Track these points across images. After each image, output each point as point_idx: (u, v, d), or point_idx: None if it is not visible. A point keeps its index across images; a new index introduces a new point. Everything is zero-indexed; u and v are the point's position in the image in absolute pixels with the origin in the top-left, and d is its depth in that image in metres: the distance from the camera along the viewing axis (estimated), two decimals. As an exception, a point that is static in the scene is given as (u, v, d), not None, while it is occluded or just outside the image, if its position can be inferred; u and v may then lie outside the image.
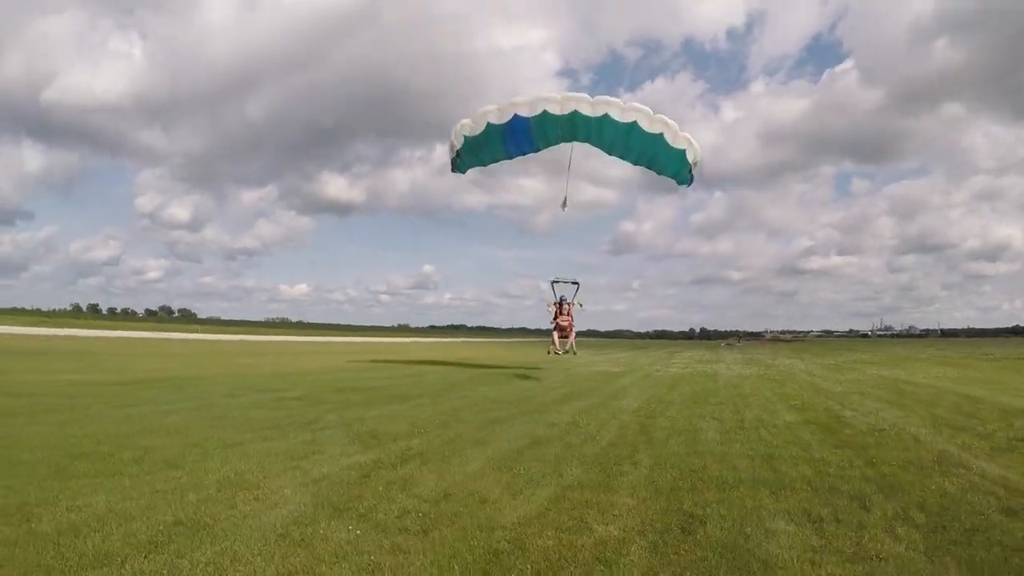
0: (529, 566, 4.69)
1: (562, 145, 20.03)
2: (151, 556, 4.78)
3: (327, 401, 14.14)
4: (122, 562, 4.68)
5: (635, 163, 19.67)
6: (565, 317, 24.13)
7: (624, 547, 5.11)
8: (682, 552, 5.03)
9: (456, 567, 4.65)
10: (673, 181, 19.86)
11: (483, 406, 13.78)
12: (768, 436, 10.16)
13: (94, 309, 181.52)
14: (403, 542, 5.13)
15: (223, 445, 8.68)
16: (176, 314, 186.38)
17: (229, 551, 4.88)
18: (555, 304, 24.11)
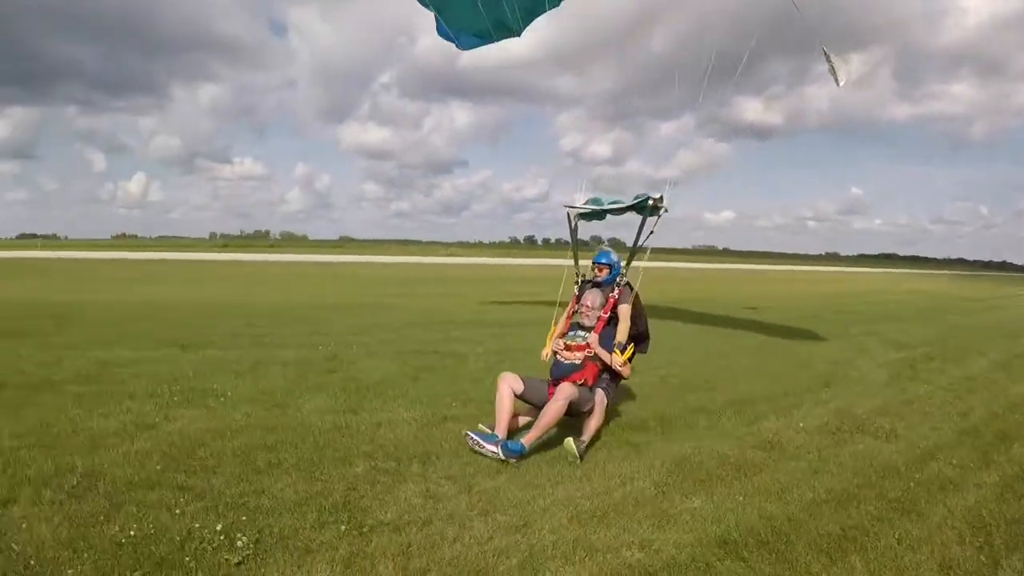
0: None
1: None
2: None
3: (831, 320, 19.51)
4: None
5: None
6: (580, 343, 6.62)
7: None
8: None
9: (995, 406, 9.19)
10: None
11: (966, 328, 17.61)
12: None
13: (530, 240, 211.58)
14: (963, 395, 9.85)
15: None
16: (605, 243, 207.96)
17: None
18: (574, 293, 7.25)
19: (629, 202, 7.07)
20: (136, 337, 12.22)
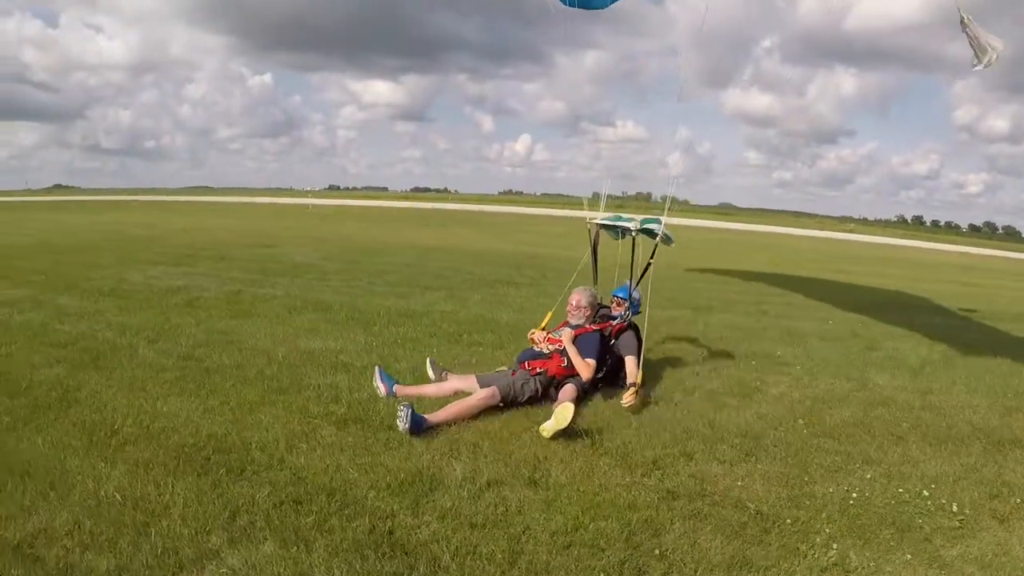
0: None
1: None
2: None
3: None
4: None
5: None
6: (557, 337, 6.77)
7: None
8: None
9: None
10: None
11: None
12: None
13: (918, 221, 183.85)
14: None
15: None
16: (1000, 231, 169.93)
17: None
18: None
19: (636, 226, 7.22)
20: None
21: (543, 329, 6.85)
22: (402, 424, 5.10)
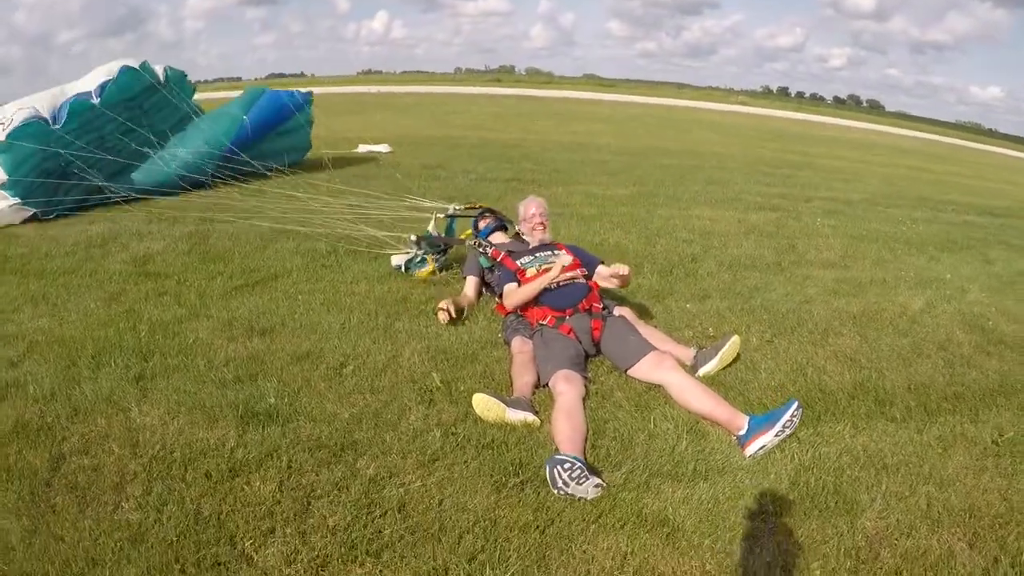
0: None
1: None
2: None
3: None
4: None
5: None
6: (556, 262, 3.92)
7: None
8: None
9: None
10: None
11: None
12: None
13: (783, 92, 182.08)
14: None
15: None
16: (864, 104, 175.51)
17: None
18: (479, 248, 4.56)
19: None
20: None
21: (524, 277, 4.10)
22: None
